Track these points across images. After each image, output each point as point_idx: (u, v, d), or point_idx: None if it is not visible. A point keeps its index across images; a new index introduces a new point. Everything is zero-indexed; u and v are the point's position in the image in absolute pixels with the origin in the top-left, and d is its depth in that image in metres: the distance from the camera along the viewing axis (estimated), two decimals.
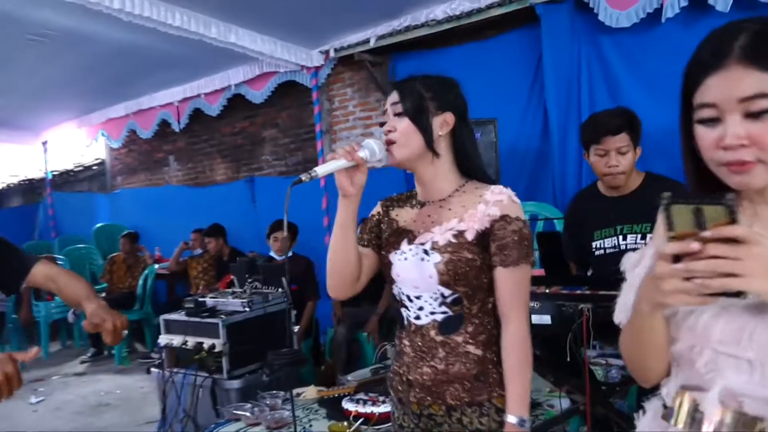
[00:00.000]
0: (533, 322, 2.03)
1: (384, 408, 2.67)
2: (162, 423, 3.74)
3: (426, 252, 1.58)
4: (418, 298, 1.60)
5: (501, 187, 1.60)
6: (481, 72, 4.91)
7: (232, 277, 4.97)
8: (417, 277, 1.58)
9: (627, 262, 1.17)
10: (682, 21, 3.90)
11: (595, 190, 2.78)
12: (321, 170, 1.50)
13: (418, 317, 1.61)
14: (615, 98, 4.22)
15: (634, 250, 2.62)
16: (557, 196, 4.48)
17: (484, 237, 1.55)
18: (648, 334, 1.04)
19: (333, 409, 2.87)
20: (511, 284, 1.54)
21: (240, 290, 4.01)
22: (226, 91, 6.39)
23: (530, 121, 4.77)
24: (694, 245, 0.86)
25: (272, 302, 3.87)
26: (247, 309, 3.72)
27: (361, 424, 2.62)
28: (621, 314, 1.13)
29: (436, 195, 1.65)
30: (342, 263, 1.62)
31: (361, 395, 2.89)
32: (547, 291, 2.39)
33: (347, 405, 2.81)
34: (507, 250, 1.53)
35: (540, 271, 2.59)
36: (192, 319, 3.69)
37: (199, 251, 6.66)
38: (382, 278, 5.29)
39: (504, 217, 1.55)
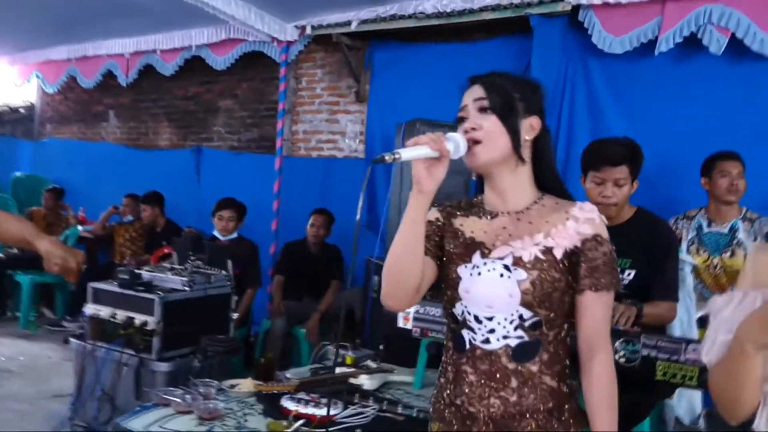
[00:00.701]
0: None
1: (324, 411, 2.69)
2: (75, 399, 3.67)
3: (507, 268, 1.51)
4: (489, 319, 1.52)
5: (588, 203, 1.57)
6: (463, 74, 4.91)
7: (166, 251, 5.01)
8: (493, 296, 1.51)
9: (713, 305, 1.26)
10: (674, 57, 4.09)
11: None
12: (405, 154, 1.42)
13: (487, 341, 1.53)
14: (595, 122, 4.38)
15: None
16: None
17: (572, 256, 1.52)
18: (747, 371, 1.15)
19: (271, 406, 2.88)
20: (601, 311, 1.51)
21: (180, 267, 3.96)
22: (185, 51, 6.32)
23: None
24: None
25: (214, 284, 3.84)
26: (187, 288, 3.68)
27: (302, 425, 2.65)
28: (711, 353, 1.24)
29: (511, 206, 1.60)
30: (408, 267, 1.49)
31: (302, 395, 2.91)
32: None
33: (287, 403, 2.81)
34: (598, 273, 1.50)
35: None
36: (126, 291, 3.62)
37: (129, 218, 6.56)
38: (329, 274, 5.27)
39: (596, 237, 1.52)
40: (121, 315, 3.58)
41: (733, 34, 3.78)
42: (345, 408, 2.78)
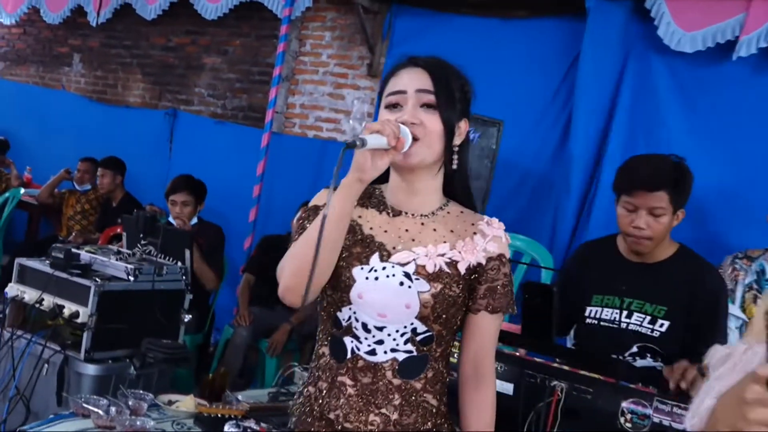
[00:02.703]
0: None
1: None
2: None
3: (408, 276, 1.65)
4: (380, 329, 1.65)
5: (496, 220, 1.75)
6: (497, 57, 4.97)
7: (118, 230, 5.05)
8: (389, 305, 1.63)
9: (712, 357, 1.24)
10: (756, 65, 4.04)
11: (612, 246, 2.84)
12: (371, 142, 1.52)
13: (373, 352, 1.66)
14: (654, 135, 4.34)
15: (635, 332, 2.68)
16: (555, 236, 4.55)
17: (473, 273, 1.69)
18: None
19: (212, 431, 2.87)
20: (494, 333, 1.73)
21: (128, 252, 3.96)
22: None
23: (545, 134, 4.85)
24: None
25: (165, 277, 3.82)
26: (131, 278, 3.66)
27: None
28: (694, 419, 1.20)
29: (416, 207, 1.74)
30: (324, 263, 1.59)
31: (251, 423, 2.90)
32: (516, 353, 2.42)
33: (231, 430, 2.81)
34: (497, 294, 1.69)
35: (514, 327, 2.63)
36: (57, 273, 3.62)
37: (84, 186, 6.57)
38: None
39: (500, 257, 1.71)
40: (49, 301, 3.58)
41: None
42: None
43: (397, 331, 1.64)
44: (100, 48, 7.78)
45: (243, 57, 6.71)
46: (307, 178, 5.88)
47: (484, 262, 1.69)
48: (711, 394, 1.16)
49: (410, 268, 1.65)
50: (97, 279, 3.57)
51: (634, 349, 2.71)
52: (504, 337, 2.49)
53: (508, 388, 2.32)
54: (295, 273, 1.59)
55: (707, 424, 1.13)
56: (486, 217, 1.75)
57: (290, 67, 6.22)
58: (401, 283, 1.64)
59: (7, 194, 6.69)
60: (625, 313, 2.72)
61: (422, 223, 1.72)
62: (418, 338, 1.65)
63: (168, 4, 6.39)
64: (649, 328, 2.68)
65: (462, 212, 1.76)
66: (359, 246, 1.69)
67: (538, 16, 4.89)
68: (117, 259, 3.79)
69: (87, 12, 6.89)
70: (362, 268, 1.66)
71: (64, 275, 3.61)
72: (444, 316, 1.65)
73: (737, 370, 1.12)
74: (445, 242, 1.69)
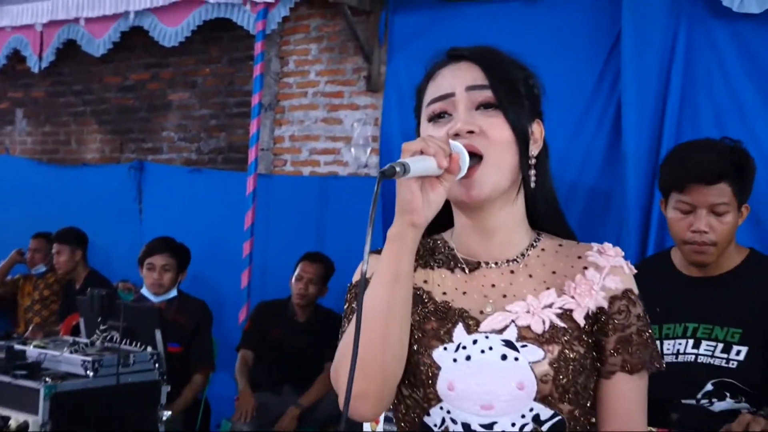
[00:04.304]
0: None
1: None
2: None
3: (511, 345, 1.47)
4: (488, 427, 1.46)
5: (610, 245, 1.60)
6: (522, 47, 4.70)
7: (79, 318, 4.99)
8: (494, 391, 1.46)
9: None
10: None
11: (667, 262, 2.84)
12: (414, 166, 1.35)
13: None
14: (721, 118, 4.28)
15: (707, 366, 2.67)
16: (629, 255, 4.41)
17: (596, 323, 1.53)
18: None
19: None
20: (639, 400, 1.53)
21: (85, 341, 3.94)
22: (121, 20, 6.34)
23: (591, 134, 4.78)
24: None
25: (133, 367, 3.79)
26: (89, 373, 3.63)
27: None
28: None
29: (498, 252, 1.59)
30: (392, 347, 1.45)
31: None
32: None
33: None
34: (633, 346, 1.51)
35: None
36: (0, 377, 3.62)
37: (39, 268, 6.55)
38: (322, 354, 5.11)
39: (628, 294, 1.54)
40: None
41: None
42: None
43: (514, 425, 1.45)
44: (46, 98, 7.86)
45: (215, 87, 6.73)
46: (306, 226, 5.84)
47: (606, 304, 1.52)
48: None
49: (511, 334, 1.48)
50: (47, 379, 3.54)
51: (709, 387, 2.65)
52: None
53: None
54: (365, 373, 1.39)
55: None
56: (595, 245, 1.60)
57: (273, 92, 6.20)
58: (504, 357, 1.46)
59: None
60: (691, 342, 2.69)
61: (512, 271, 1.57)
62: (545, 428, 1.46)
63: (119, 36, 6.44)
64: (723, 359, 2.65)
65: (561, 245, 1.61)
66: (434, 320, 1.53)
67: None
68: (72, 352, 3.77)
69: (26, 57, 6.95)
70: (445, 348, 1.49)
71: (6, 378, 3.59)
72: (572, 389, 1.47)
73: None
74: (548, 289, 1.53)
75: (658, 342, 2.59)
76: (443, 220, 1.57)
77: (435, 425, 1.50)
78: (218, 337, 5.21)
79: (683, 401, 2.62)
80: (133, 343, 3.93)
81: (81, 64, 7.16)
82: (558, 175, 4.64)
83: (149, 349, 3.90)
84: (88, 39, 6.53)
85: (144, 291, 5.04)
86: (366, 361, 1.37)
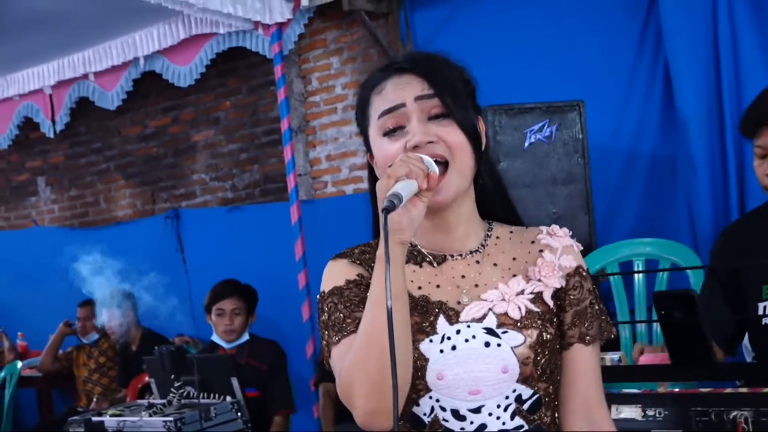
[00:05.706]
0: None
1: None
2: None
3: (492, 332, 1.61)
4: (476, 411, 1.60)
5: (556, 226, 1.76)
6: (553, 23, 5.01)
7: (146, 379, 4.97)
8: (481, 376, 1.59)
9: None
10: None
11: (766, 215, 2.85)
12: (404, 192, 1.48)
13: None
14: None
15: None
16: (697, 230, 4.42)
17: (557, 300, 1.69)
18: None
19: None
20: (596, 369, 1.71)
21: (161, 402, 3.94)
22: (131, 68, 6.39)
23: (641, 100, 4.74)
24: None
25: (216, 420, 3.81)
26: None
27: None
28: None
29: (460, 246, 1.73)
30: (404, 363, 1.50)
31: None
32: (676, 390, 2.45)
33: None
34: (587, 319, 1.69)
35: (659, 356, 2.72)
36: None
37: (92, 336, 6.59)
38: None
39: (578, 271, 1.71)
40: None
41: None
42: None
43: (499, 406, 1.60)
44: (66, 162, 7.91)
45: (240, 120, 6.70)
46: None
47: (564, 283, 1.69)
48: None
49: (491, 322, 1.63)
50: None
51: None
52: (652, 373, 2.67)
53: None
54: (374, 390, 1.51)
55: None
56: (544, 228, 1.75)
57: (300, 114, 6.19)
58: (487, 344, 1.61)
59: (2, 373, 6.72)
60: None
61: (477, 261, 1.71)
62: (526, 406, 1.62)
63: (131, 84, 6.47)
64: None
65: (512, 232, 1.77)
66: (416, 314, 1.64)
67: None
68: (150, 415, 3.83)
69: (38, 123, 6.98)
70: (431, 340, 1.62)
71: None
72: (548, 368, 1.64)
73: None
74: (515, 275, 1.69)
75: (761, 303, 2.73)
76: None
77: (424, 414, 1.62)
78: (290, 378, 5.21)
79: None
80: (211, 395, 3.97)
81: (97, 120, 7.22)
82: (613, 144, 4.53)
83: (228, 398, 3.94)
84: (100, 93, 6.59)
85: (214, 337, 5.05)
86: (384, 381, 1.45)
